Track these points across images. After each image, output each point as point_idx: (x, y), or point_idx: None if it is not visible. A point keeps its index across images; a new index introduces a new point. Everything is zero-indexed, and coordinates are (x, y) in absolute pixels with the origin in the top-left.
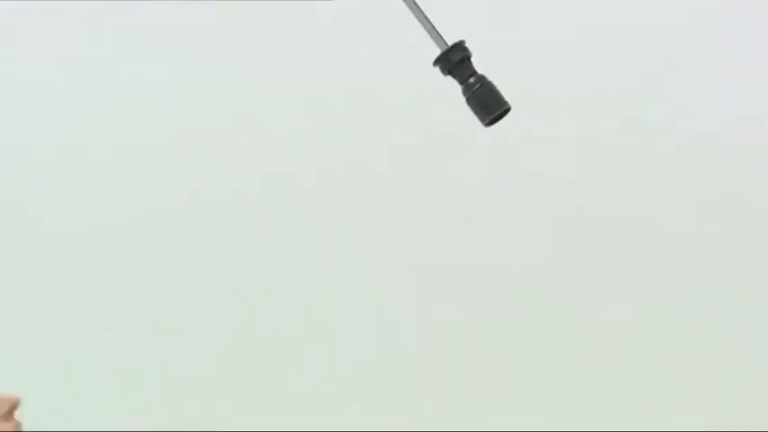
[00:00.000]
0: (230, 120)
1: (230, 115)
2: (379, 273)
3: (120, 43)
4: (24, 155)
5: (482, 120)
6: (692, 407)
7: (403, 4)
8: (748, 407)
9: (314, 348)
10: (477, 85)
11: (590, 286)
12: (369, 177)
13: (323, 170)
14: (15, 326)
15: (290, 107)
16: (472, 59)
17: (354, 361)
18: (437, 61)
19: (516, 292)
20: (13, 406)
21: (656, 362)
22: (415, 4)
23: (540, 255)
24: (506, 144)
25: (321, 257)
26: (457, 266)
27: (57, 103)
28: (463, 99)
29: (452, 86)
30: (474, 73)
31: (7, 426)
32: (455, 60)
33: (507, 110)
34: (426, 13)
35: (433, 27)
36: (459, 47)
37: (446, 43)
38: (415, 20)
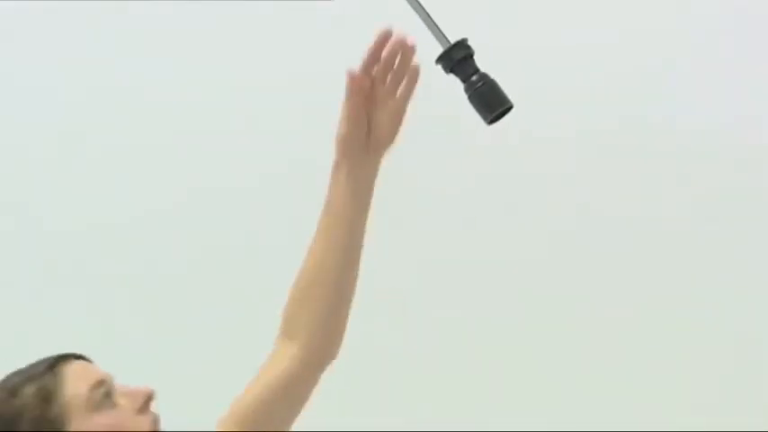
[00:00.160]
0: (230, 119)
1: (230, 115)
2: (379, 272)
3: (120, 43)
4: (24, 155)
5: (484, 118)
6: (692, 407)
7: (404, 4)
8: (748, 407)
9: None
10: (480, 83)
11: (590, 286)
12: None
13: (323, 170)
14: (15, 325)
15: (290, 107)
16: (474, 57)
17: (353, 361)
18: (440, 59)
19: (516, 291)
20: (149, 397)
21: (656, 362)
22: (418, 2)
23: (540, 254)
24: (506, 144)
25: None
26: (456, 266)
27: (57, 103)
28: (465, 98)
29: (451, 86)
30: (476, 71)
31: (144, 420)
32: (457, 58)
33: (510, 108)
34: (428, 10)
35: (436, 25)
36: (462, 45)
37: (448, 41)
38: (416, 19)
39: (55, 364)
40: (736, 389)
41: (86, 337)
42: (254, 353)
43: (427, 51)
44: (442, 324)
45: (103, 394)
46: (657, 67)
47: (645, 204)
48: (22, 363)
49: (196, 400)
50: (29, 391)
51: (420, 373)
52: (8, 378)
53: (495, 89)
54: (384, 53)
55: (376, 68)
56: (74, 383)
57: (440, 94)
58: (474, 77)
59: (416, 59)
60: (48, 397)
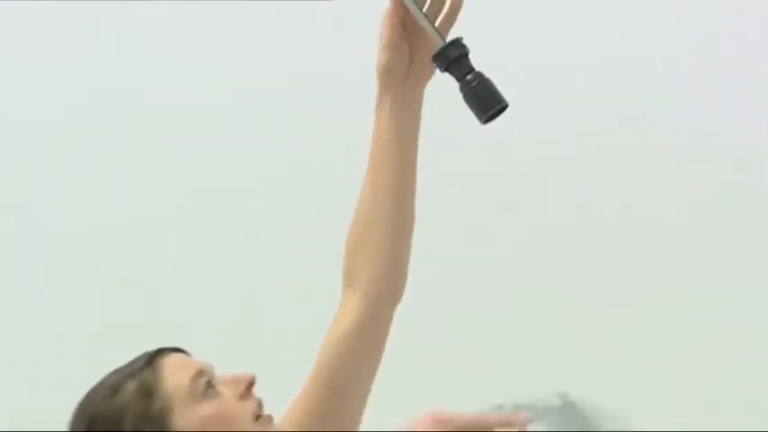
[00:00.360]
0: (230, 119)
1: (230, 115)
2: None
3: (120, 43)
4: (24, 155)
5: (479, 117)
6: (692, 407)
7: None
8: (748, 407)
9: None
10: (475, 82)
11: (590, 286)
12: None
13: (323, 169)
14: (15, 326)
15: (290, 107)
16: (470, 56)
17: None
18: (435, 57)
19: (515, 291)
20: (251, 382)
21: (655, 362)
22: (414, 2)
23: (539, 254)
24: (506, 143)
25: (321, 255)
26: (456, 266)
27: (57, 103)
28: (460, 97)
29: (450, 85)
30: (471, 70)
31: (248, 405)
32: (453, 57)
33: (505, 107)
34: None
35: (432, 24)
36: (457, 43)
37: (444, 40)
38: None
39: (153, 358)
40: (736, 389)
41: (86, 337)
42: (255, 353)
43: None
44: (441, 323)
45: (205, 384)
46: (657, 67)
47: (645, 204)
48: (22, 363)
49: None
50: (130, 387)
51: (419, 372)
52: (107, 377)
53: (491, 88)
54: None
55: None
56: (174, 376)
57: (439, 93)
58: (469, 76)
59: None
60: (149, 391)
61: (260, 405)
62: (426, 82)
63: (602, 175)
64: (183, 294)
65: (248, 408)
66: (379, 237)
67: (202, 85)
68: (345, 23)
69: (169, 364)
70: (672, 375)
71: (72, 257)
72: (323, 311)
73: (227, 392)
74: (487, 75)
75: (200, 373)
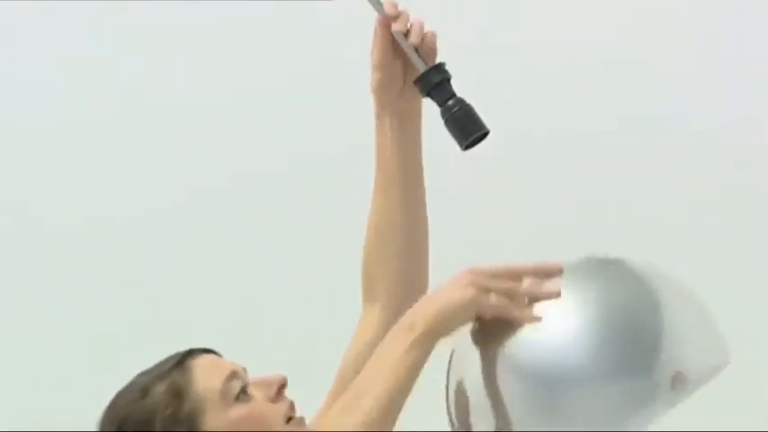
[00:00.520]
0: (230, 119)
1: (230, 115)
2: None
3: (120, 43)
4: (24, 155)
5: (460, 143)
6: (692, 407)
7: (403, 4)
8: (748, 407)
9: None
10: (456, 108)
11: None
12: (368, 176)
13: (323, 169)
14: (15, 326)
15: (291, 107)
16: (451, 82)
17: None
18: (416, 82)
19: None
20: (283, 384)
21: None
22: (402, 34)
23: (539, 254)
24: (505, 143)
25: (321, 255)
26: (456, 266)
27: (57, 103)
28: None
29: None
30: (453, 95)
31: (280, 407)
32: (434, 82)
33: (485, 134)
34: (429, 10)
35: (415, 50)
36: (440, 68)
37: (426, 64)
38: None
39: (183, 359)
40: (736, 389)
41: (86, 337)
42: (255, 353)
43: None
44: None
45: (239, 386)
46: (657, 67)
47: (645, 204)
48: (22, 363)
49: None
50: (159, 389)
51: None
52: (136, 379)
53: (472, 114)
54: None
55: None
56: (205, 377)
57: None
58: (450, 102)
59: None
60: (179, 393)
61: (292, 407)
62: (423, 95)
63: (602, 175)
64: (183, 294)
65: (280, 410)
66: (393, 250)
67: (202, 84)
68: (345, 23)
69: (200, 365)
70: None
71: (72, 257)
72: (323, 311)
73: (258, 395)
74: (469, 101)
75: (233, 374)
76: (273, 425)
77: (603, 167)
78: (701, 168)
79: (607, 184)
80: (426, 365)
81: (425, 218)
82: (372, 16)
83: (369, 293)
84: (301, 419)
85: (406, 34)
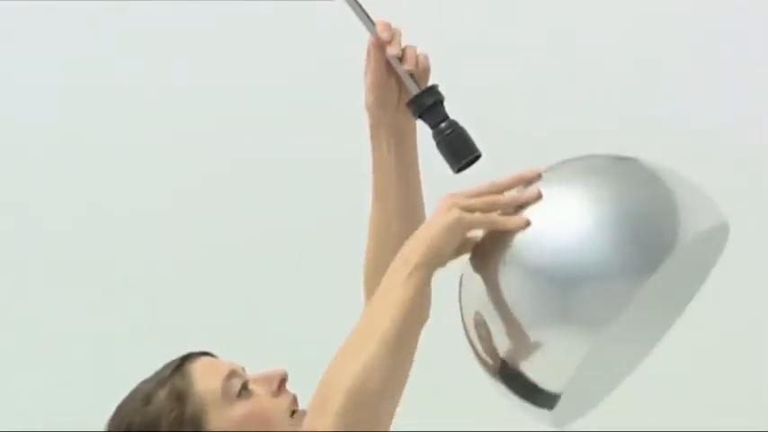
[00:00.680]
0: (230, 119)
1: (230, 115)
2: None
3: (120, 43)
4: (24, 155)
5: (452, 166)
6: (692, 407)
7: (402, 3)
8: (748, 407)
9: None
10: (449, 131)
11: None
12: (368, 176)
13: (323, 169)
14: (14, 325)
15: (290, 107)
16: (444, 104)
17: None
18: (409, 104)
19: None
20: (283, 379)
21: (655, 362)
22: (398, 59)
23: None
24: (506, 144)
25: (320, 254)
26: (455, 270)
27: (57, 103)
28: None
29: (448, 85)
30: (446, 118)
31: (282, 401)
32: (427, 104)
33: (478, 157)
34: (429, 9)
35: (411, 76)
36: (432, 90)
37: (418, 87)
38: (415, 20)
39: (181, 364)
40: (737, 389)
41: (86, 337)
42: (255, 352)
43: (426, 51)
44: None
45: (239, 384)
46: (657, 67)
47: None
48: (22, 363)
49: None
50: (161, 395)
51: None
52: (138, 388)
53: (464, 137)
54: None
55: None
56: (205, 379)
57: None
58: (443, 124)
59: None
60: (181, 396)
61: (294, 400)
62: None
63: None
64: (182, 294)
65: (283, 404)
66: (393, 258)
67: (202, 84)
68: (345, 23)
69: (198, 367)
70: (671, 375)
71: (72, 257)
72: (324, 311)
73: (260, 391)
74: (462, 123)
75: (232, 373)
76: (277, 420)
77: None
78: (701, 168)
79: None
80: (426, 366)
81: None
82: (372, 16)
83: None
84: (305, 412)
85: (400, 58)
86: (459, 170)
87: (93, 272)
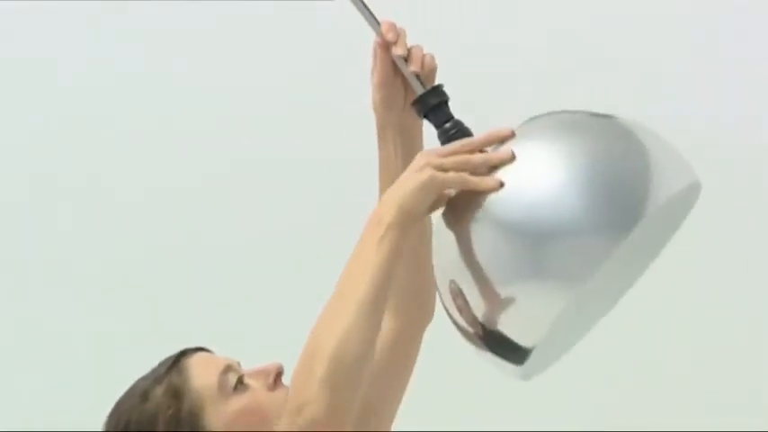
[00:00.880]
0: (230, 120)
1: (230, 115)
2: None
3: (120, 43)
4: (24, 155)
5: None
6: (693, 407)
7: (402, 3)
8: (748, 407)
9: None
10: (453, 131)
11: None
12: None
13: (323, 169)
14: (15, 325)
15: (290, 107)
16: (449, 103)
17: None
18: (414, 104)
19: None
20: (279, 372)
21: (655, 362)
22: (401, 59)
23: None
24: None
25: (320, 254)
26: None
27: (56, 104)
28: (464, 99)
29: (449, 85)
30: (450, 117)
31: (279, 394)
32: (432, 104)
33: None
34: (429, 9)
35: (417, 76)
36: (437, 90)
37: (423, 86)
38: (415, 21)
39: (177, 360)
40: (737, 389)
41: (86, 337)
42: (256, 352)
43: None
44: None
45: (234, 378)
46: (657, 67)
47: None
48: (22, 363)
49: None
50: (158, 392)
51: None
52: (135, 385)
53: (469, 137)
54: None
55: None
56: (201, 374)
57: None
58: (447, 124)
59: None
60: (178, 393)
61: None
62: None
63: None
64: (182, 294)
65: (279, 397)
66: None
67: (202, 84)
68: (345, 23)
69: (194, 363)
70: (672, 375)
71: (72, 257)
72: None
73: (256, 385)
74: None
75: (228, 368)
76: (274, 413)
77: None
78: (701, 168)
79: None
80: (424, 365)
81: (429, 225)
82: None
83: None
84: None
85: (406, 58)
86: None
87: (93, 272)
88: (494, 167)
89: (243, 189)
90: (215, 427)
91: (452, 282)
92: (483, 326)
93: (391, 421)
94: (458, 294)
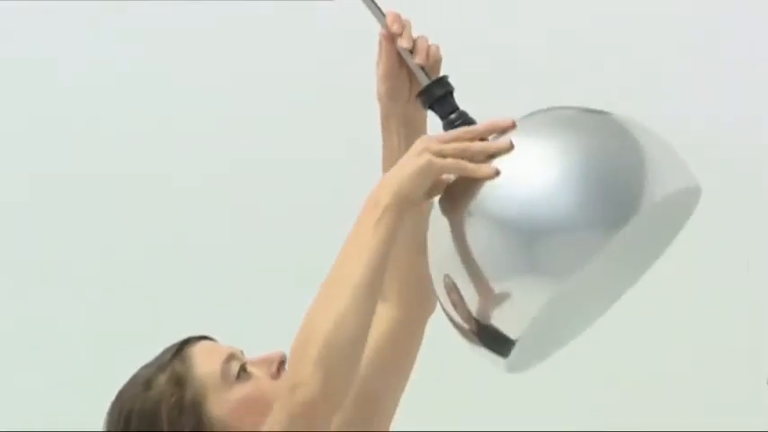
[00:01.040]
0: (230, 119)
1: (230, 115)
2: None
3: (120, 43)
4: (24, 155)
5: None
6: (692, 407)
7: (402, 4)
8: (748, 407)
9: None
10: (458, 122)
11: None
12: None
13: (323, 169)
14: (15, 325)
15: (290, 107)
16: (455, 94)
17: None
18: (419, 95)
19: None
20: (283, 361)
21: (656, 362)
22: (406, 50)
23: None
24: None
25: (320, 254)
26: None
27: (56, 104)
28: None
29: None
30: (456, 109)
31: (282, 382)
32: (437, 95)
33: None
34: (429, 9)
35: (421, 67)
36: (442, 82)
37: (428, 78)
38: (415, 20)
39: (181, 348)
40: (737, 389)
41: (86, 337)
42: (255, 352)
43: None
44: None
45: (237, 367)
46: (657, 67)
47: None
48: (22, 362)
49: None
50: (162, 379)
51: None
52: (138, 373)
53: None
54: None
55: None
56: (204, 362)
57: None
58: (453, 116)
59: None
60: (181, 381)
61: None
62: None
63: None
64: (183, 294)
65: (282, 386)
66: (401, 254)
67: (202, 84)
68: (345, 23)
69: (198, 352)
70: (672, 375)
71: (72, 257)
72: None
73: (259, 373)
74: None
75: (231, 356)
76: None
77: None
78: (701, 168)
79: None
80: (423, 365)
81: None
82: (372, 17)
83: (380, 297)
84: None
85: (411, 50)
86: None
87: (93, 272)
88: (491, 156)
89: (243, 189)
90: (218, 414)
91: (447, 276)
92: (473, 317)
93: (394, 409)
94: (452, 288)
